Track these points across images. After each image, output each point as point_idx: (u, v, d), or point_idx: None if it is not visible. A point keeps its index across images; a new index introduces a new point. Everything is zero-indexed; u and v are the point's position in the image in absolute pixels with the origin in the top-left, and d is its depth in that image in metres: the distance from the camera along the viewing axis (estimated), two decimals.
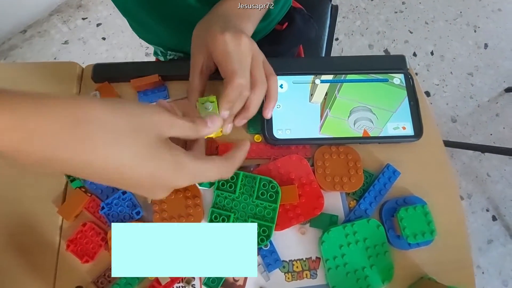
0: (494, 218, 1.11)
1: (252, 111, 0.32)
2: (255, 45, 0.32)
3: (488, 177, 1.15)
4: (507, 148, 0.99)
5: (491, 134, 1.20)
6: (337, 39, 1.30)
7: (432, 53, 1.30)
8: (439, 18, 1.35)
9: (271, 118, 0.37)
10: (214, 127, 0.27)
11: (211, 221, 0.34)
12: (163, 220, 0.35)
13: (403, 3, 1.37)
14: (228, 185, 0.35)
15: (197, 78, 0.33)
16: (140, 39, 0.55)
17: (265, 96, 0.33)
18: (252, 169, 0.37)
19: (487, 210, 1.12)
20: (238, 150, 0.29)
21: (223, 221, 0.34)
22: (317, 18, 0.78)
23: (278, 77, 0.39)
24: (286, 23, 0.54)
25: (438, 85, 1.26)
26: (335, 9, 0.81)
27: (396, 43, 1.31)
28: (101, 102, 0.22)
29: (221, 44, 0.30)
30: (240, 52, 0.30)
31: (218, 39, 0.30)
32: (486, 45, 1.31)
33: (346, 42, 1.31)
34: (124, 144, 0.21)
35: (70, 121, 0.20)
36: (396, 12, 1.36)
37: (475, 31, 1.33)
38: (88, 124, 0.20)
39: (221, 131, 0.32)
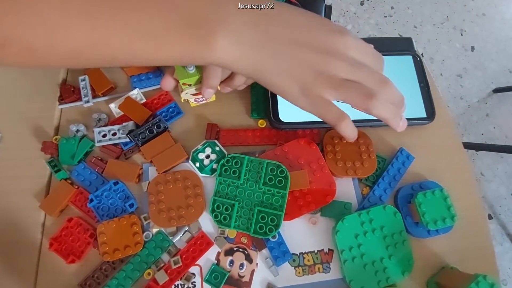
0: (490, 217, 1.11)
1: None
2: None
3: (482, 176, 1.15)
4: (500, 145, 1.00)
5: (482, 134, 1.21)
6: None
7: (422, 55, 1.32)
8: (427, 22, 1.38)
9: (276, 101, 0.35)
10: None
11: (212, 211, 0.31)
12: (160, 212, 0.31)
13: (392, 7, 1.39)
14: (231, 171, 0.32)
15: None
16: None
17: None
18: (257, 155, 0.34)
19: None
20: None
21: (226, 210, 0.31)
22: None
23: None
24: None
25: None
26: (329, 8, 0.80)
27: None
28: None
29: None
30: None
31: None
32: (473, 48, 1.34)
33: None
34: None
35: None
36: (386, 17, 1.38)
37: (461, 35, 1.37)
38: None
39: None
